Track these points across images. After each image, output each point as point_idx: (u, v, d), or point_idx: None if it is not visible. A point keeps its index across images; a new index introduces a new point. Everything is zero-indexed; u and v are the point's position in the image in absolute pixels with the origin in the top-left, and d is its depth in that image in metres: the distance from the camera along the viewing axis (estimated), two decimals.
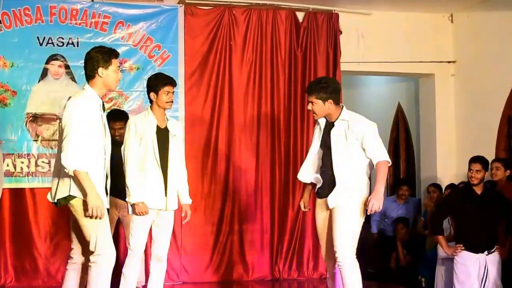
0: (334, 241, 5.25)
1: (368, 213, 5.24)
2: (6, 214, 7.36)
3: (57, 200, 4.76)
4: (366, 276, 8.45)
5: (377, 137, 5.38)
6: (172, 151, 5.74)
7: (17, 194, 7.44)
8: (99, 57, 4.84)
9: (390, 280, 8.15)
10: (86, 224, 4.70)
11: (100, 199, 4.66)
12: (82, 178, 4.63)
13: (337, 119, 5.34)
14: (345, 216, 5.27)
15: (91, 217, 4.63)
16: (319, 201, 5.47)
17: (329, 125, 5.38)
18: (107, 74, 4.85)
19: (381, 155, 5.28)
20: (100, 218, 4.67)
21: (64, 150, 4.64)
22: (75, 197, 4.67)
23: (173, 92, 5.79)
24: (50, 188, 6.98)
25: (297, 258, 8.12)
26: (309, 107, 5.33)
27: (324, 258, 5.62)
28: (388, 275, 8.33)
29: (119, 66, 4.98)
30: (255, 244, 8.00)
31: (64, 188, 4.72)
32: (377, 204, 5.15)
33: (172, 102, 5.77)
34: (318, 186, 5.47)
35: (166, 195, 5.67)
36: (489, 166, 7.04)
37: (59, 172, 4.78)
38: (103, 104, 4.96)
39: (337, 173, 5.29)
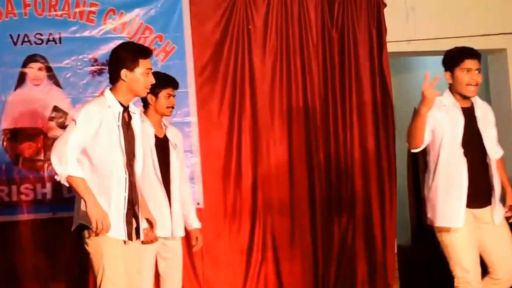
0: (507, 261, 5.44)
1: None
2: None
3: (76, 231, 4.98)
4: None
5: None
6: (174, 165, 5.90)
7: None
8: (124, 56, 4.92)
9: None
10: (96, 256, 4.84)
11: (102, 209, 4.76)
12: (77, 185, 4.75)
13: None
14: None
15: (96, 234, 4.74)
16: (467, 212, 5.38)
17: (466, 109, 5.45)
18: (132, 78, 4.91)
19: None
20: (106, 231, 4.74)
21: (54, 150, 4.76)
22: (86, 227, 4.81)
23: (175, 95, 5.98)
24: (40, 219, 7.63)
25: (349, 283, 8.07)
26: (480, 78, 5.40)
27: (476, 284, 5.47)
28: None
29: (150, 68, 4.99)
30: (295, 275, 7.95)
31: (76, 216, 4.92)
32: None
33: (173, 107, 6.00)
34: (460, 191, 5.37)
35: (171, 219, 5.84)
36: None
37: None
38: (129, 113, 5.00)
39: (494, 172, 5.41)
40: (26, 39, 7.52)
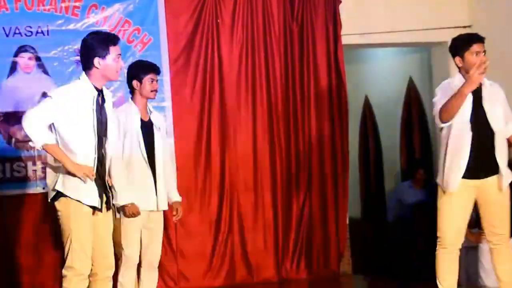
0: (503, 222, 5.72)
1: None
2: None
3: (50, 200, 5.05)
4: (382, 272, 8.93)
5: None
6: (158, 145, 6.07)
7: None
8: (95, 45, 4.98)
9: (411, 275, 8.41)
10: (65, 228, 5.00)
11: (80, 166, 4.90)
12: (54, 151, 4.89)
13: None
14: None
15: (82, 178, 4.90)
16: (465, 184, 5.61)
17: (475, 92, 5.56)
18: (105, 64, 4.99)
19: None
20: (92, 174, 4.92)
21: (28, 120, 4.87)
22: (61, 194, 4.94)
23: (157, 80, 6.13)
24: (31, 194, 7.77)
25: (306, 256, 8.39)
26: (484, 56, 5.55)
27: (450, 246, 5.72)
28: (409, 269, 8.63)
29: (120, 54, 5.09)
30: (258, 243, 8.28)
31: (51, 185, 5.02)
32: None
33: (156, 91, 6.14)
34: (461, 163, 5.59)
35: (156, 194, 6.03)
36: None
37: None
38: (103, 97, 5.10)
39: (499, 147, 5.59)
40: (17, 31, 7.73)
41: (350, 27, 8.55)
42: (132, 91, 6.11)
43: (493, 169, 5.65)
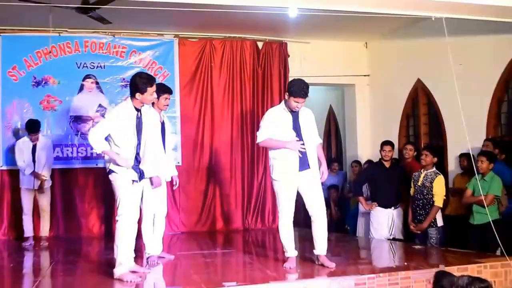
0: (318, 202, 5.44)
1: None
2: (57, 187, 8.18)
3: (107, 173, 5.24)
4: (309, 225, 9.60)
5: None
6: (168, 138, 6.21)
7: (64, 173, 8.33)
8: (138, 85, 5.06)
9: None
10: (116, 191, 5.14)
11: (126, 159, 5.05)
12: (108, 153, 5.03)
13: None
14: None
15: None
16: (296, 173, 5.40)
17: (295, 112, 5.45)
18: (143, 97, 5.10)
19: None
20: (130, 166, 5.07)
21: (92, 136, 4.97)
22: (113, 171, 5.14)
23: (169, 98, 6.22)
24: (89, 168, 8.06)
25: (261, 214, 8.94)
26: (300, 106, 5.39)
27: (287, 219, 5.48)
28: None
29: (154, 91, 5.14)
30: (231, 204, 8.87)
31: (107, 165, 5.23)
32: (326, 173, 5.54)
33: (168, 105, 6.22)
34: (294, 161, 5.38)
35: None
36: (401, 148, 7.93)
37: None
38: (141, 114, 5.19)
39: (308, 151, 5.39)
40: (84, 65, 8.48)
41: (295, 72, 8.95)
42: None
43: (307, 166, 5.43)
